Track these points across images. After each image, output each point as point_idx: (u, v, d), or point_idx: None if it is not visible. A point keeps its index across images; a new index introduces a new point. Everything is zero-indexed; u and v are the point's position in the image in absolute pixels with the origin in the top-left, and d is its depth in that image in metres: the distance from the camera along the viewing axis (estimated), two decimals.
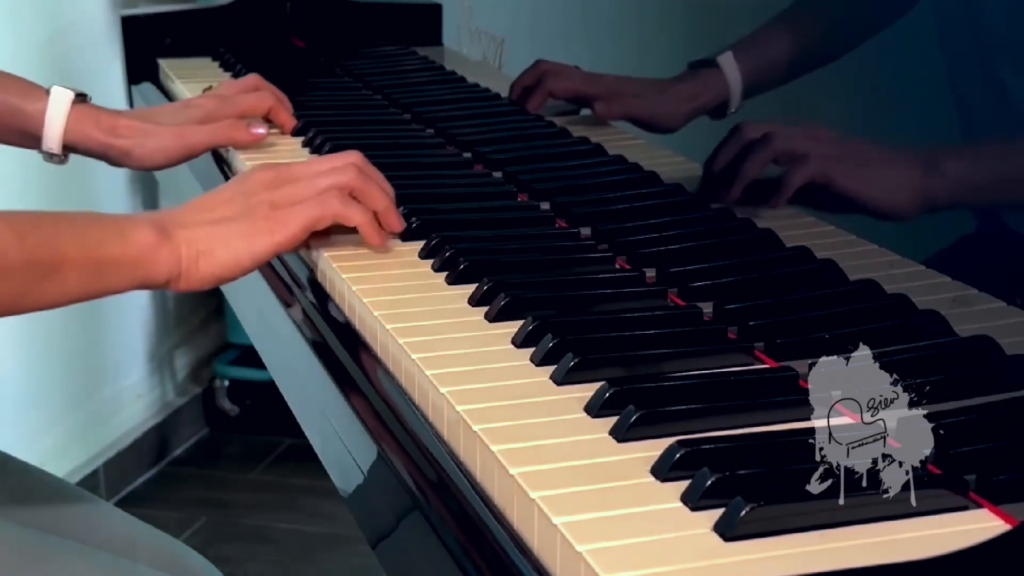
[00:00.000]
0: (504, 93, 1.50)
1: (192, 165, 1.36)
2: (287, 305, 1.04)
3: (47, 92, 1.27)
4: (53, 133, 1.27)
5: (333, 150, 1.31)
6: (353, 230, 1.04)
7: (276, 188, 1.01)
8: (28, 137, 1.29)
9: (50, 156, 1.29)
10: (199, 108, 1.35)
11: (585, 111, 1.37)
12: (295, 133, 1.41)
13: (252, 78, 1.44)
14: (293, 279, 1.07)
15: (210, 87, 1.47)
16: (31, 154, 1.31)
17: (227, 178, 1.31)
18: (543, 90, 1.42)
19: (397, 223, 1.06)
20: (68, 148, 1.29)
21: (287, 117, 1.42)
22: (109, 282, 0.95)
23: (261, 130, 1.34)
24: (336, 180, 1.02)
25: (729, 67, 1.14)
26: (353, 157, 1.06)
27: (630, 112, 1.30)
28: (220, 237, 0.98)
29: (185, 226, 0.97)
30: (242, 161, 1.31)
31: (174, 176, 1.40)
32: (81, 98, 1.28)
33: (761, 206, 1.06)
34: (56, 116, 1.27)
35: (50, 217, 0.95)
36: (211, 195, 1.03)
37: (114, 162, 1.30)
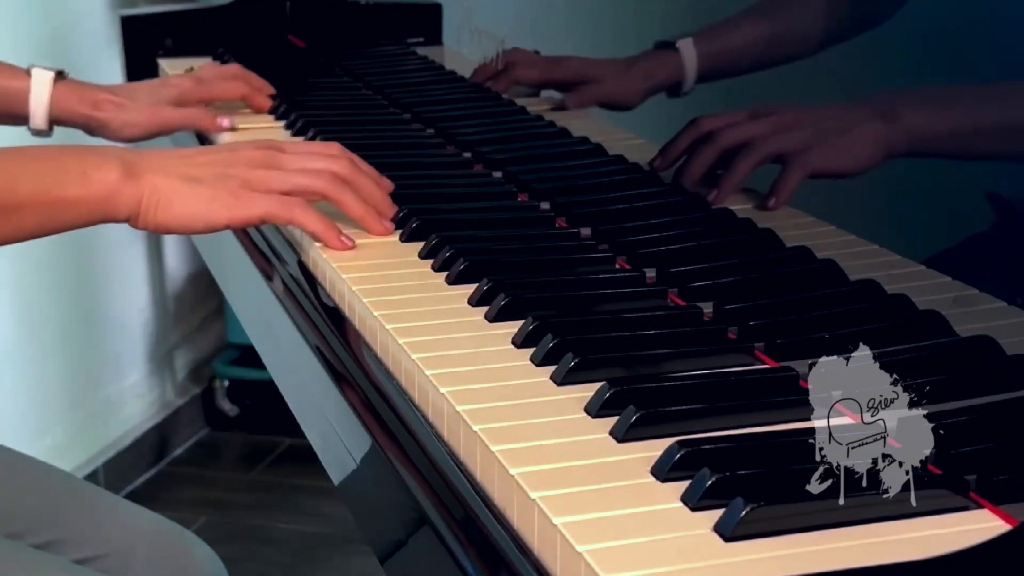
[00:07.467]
0: (505, 93, 1.50)
1: (177, 139, 1.46)
2: (286, 305, 1.04)
3: (27, 72, 1.37)
4: (39, 111, 1.37)
5: None
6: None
7: (256, 168, 1.04)
8: (12, 116, 1.38)
9: (37, 131, 1.39)
10: (174, 88, 1.45)
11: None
12: (295, 133, 1.42)
13: (233, 67, 1.53)
14: (293, 279, 1.07)
15: (191, 68, 1.55)
16: (19, 131, 1.40)
17: None
18: (509, 78, 1.49)
19: (381, 228, 1.07)
20: (52, 122, 1.39)
21: (262, 102, 1.51)
22: (67, 220, 1.00)
23: (225, 122, 1.42)
24: (308, 183, 1.05)
25: (687, 52, 1.16)
26: (334, 157, 1.08)
27: (596, 98, 1.36)
28: (183, 194, 1.01)
29: (156, 172, 1.01)
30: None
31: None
32: (60, 75, 1.38)
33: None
34: (40, 95, 1.37)
35: (15, 157, 1.00)
36: (196, 152, 1.08)
37: (93, 133, 1.41)
